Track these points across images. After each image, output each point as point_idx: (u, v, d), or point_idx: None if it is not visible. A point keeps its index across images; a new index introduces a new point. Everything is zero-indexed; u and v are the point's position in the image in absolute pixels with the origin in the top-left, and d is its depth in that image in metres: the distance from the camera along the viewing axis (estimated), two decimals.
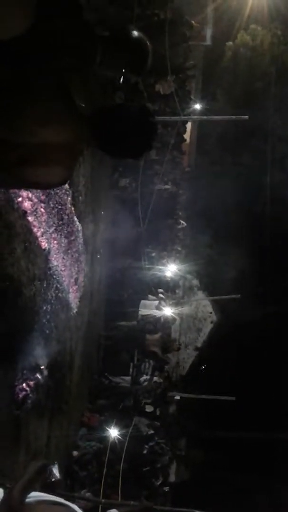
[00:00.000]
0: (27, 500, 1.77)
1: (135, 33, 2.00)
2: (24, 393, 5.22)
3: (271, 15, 16.99)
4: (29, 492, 1.74)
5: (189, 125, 15.67)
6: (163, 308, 10.99)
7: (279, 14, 16.92)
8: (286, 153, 17.56)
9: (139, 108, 1.91)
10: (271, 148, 17.69)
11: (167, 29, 9.86)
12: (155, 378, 11.00)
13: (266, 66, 17.53)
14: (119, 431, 8.65)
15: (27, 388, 5.32)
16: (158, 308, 10.76)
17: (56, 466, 5.36)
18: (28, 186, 2.05)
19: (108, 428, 8.60)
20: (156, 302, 10.97)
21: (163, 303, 11.28)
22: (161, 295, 11.33)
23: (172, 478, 13.46)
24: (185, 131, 13.80)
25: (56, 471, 5.20)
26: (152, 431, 9.78)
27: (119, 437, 8.57)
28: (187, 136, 15.53)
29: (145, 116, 1.90)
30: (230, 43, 17.73)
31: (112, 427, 8.64)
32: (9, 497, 1.64)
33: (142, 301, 10.92)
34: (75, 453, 8.46)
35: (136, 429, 9.54)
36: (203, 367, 16.53)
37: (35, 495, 1.85)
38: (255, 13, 16.76)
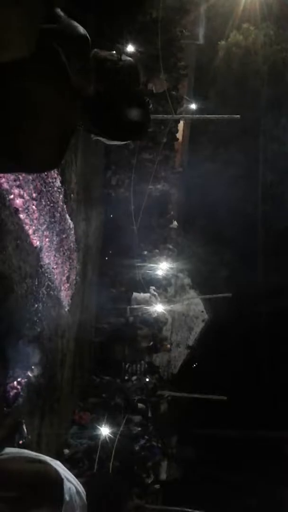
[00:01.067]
0: (2, 456, 1.75)
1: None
2: (15, 391, 5.20)
3: (264, 15, 17.05)
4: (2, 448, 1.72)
5: (181, 124, 15.70)
6: (155, 304, 11.02)
7: (271, 14, 16.98)
8: (277, 152, 17.65)
9: (134, 91, 1.83)
10: (263, 147, 17.78)
11: (160, 28, 9.86)
12: (146, 378, 11.02)
13: (258, 66, 17.59)
14: (110, 429, 8.65)
15: (18, 387, 5.31)
16: (149, 302, 10.79)
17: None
18: (19, 168, 1.91)
19: (99, 426, 8.60)
20: (148, 295, 10.99)
21: (154, 299, 11.30)
22: (153, 291, 11.35)
23: (163, 476, 13.51)
24: (177, 130, 13.82)
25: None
26: (143, 429, 9.79)
27: (110, 435, 8.57)
28: (179, 135, 15.56)
29: (140, 98, 1.84)
30: (223, 42, 17.78)
31: (103, 425, 8.63)
32: None
33: (134, 294, 10.94)
34: (66, 451, 8.45)
35: (127, 427, 9.56)
36: (194, 365, 16.57)
37: (13, 452, 1.82)
38: (248, 12, 16.81)
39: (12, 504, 1.64)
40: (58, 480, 1.70)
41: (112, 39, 8.52)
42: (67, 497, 1.68)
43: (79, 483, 1.80)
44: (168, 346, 13.05)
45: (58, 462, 1.82)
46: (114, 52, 1.83)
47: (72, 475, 1.80)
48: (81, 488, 1.79)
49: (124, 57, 1.80)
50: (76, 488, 1.76)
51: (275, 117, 17.52)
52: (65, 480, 1.72)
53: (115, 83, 1.75)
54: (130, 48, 9.21)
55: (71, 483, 1.75)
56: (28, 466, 1.72)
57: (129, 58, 1.81)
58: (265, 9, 16.58)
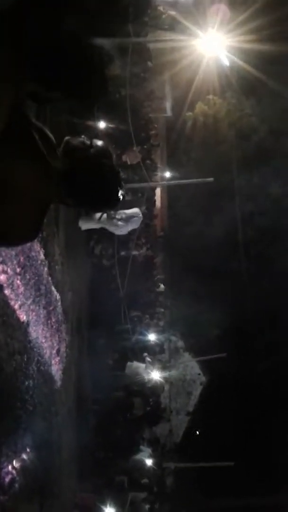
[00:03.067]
0: None
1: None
2: (10, 476, 4.92)
3: (222, 85, 18.24)
4: None
5: (158, 191, 16.21)
6: (151, 372, 10.78)
7: (230, 84, 18.17)
8: (253, 210, 18.21)
9: (102, 153, 1.93)
10: (239, 207, 18.36)
11: (129, 104, 10.44)
12: (148, 462, 10.50)
13: (225, 132, 18.57)
14: (115, 510, 8.14)
15: (13, 471, 5.03)
16: (145, 371, 10.55)
17: None
18: None
19: (104, 508, 8.09)
20: (143, 365, 10.77)
21: (149, 367, 11.08)
22: (147, 359, 11.14)
23: None
24: (154, 196, 14.25)
25: None
26: (150, 506, 9.22)
27: None
28: (157, 201, 16.03)
29: (111, 166, 1.95)
30: (190, 113, 18.82)
31: (108, 506, 8.13)
32: None
33: (128, 363, 10.71)
34: None
35: (133, 507, 9.01)
36: (197, 432, 15.97)
37: None
38: (208, 83, 17.95)
39: None
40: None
41: (83, 117, 8.95)
42: None
43: None
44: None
45: None
46: (84, 139, 1.95)
47: None
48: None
49: (95, 143, 1.93)
50: None
51: (246, 178, 18.26)
52: None
53: (85, 169, 1.88)
54: (102, 124, 9.67)
55: None
56: None
57: (99, 143, 1.93)
58: (224, 79, 17.76)
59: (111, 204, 2.07)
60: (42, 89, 1.75)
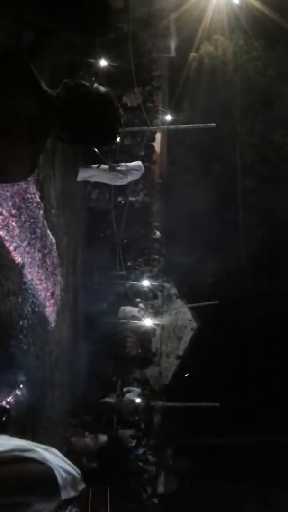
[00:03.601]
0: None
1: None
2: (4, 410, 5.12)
3: (232, 25, 17.40)
4: None
5: (158, 136, 15.84)
6: (143, 318, 10.99)
7: (240, 24, 17.35)
8: (254, 159, 17.90)
9: (103, 95, 1.89)
10: (240, 155, 18.02)
11: (131, 42, 9.98)
12: (138, 400, 10.87)
13: (230, 75, 17.91)
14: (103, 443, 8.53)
15: (7, 406, 5.22)
16: (137, 316, 10.76)
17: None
18: None
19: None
20: (136, 309, 10.97)
21: (142, 312, 11.27)
22: (140, 305, 11.32)
23: (161, 489, 13.36)
24: (154, 142, 13.93)
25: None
26: (137, 442, 9.69)
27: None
28: (157, 146, 15.69)
29: (110, 102, 1.89)
30: (194, 54, 18.08)
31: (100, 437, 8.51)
32: None
33: (121, 307, 10.91)
34: None
35: (120, 441, 9.44)
36: (186, 375, 16.53)
37: (5, 444, 1.91)
38: (217, 23, 17.15)
39: (11, 507, 1.77)
40: (51, 477, 1.82)
41: (85, 53, 8.60)
42: (61, 484, 1.83)
43: (71, 464, 1.91)
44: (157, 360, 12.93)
45: (53, 449, 1.94)
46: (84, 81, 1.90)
47: (64, 458, 1.91)
48: (75, 470, 1.92)
49: (95, 85, 1.88)
50: (69, 471, 1.89)
51: (249, 125, 17.80)
52: (57, 472, 1.82)
53: (83, 102, 1.83)
54: (103, 62, 9.29)
55: (64, 469, 1.86)
56: (21, 468, 1.79)
57: (101, 87, 1.88)
58: (233, 19, 16.94)
59: (108, 139, 1.99)
60: (44, 19, 1.73)
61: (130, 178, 9.56)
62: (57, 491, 1.84)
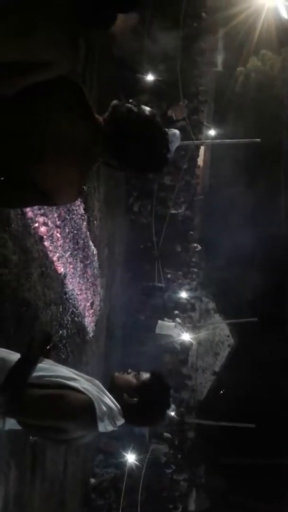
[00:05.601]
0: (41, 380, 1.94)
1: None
2: None
3: (280, 40, 17.25)
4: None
5: (202, 150, 15.82)
6: (180, 333, 10.92)
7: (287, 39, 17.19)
8: None
9: (151, 120, 1.88)
10: (285, 171, 17.74)
11: (179, 55, 10.08)
12: (172, 413, 10.76)
13: (277, 90, 17.72)
14: (136, 457, 8.50)
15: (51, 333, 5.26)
16: (175, 331, 10.70)
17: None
18: (41, 202, 1.98)
19: (125, 454, 8.46)
20: (173, 324, 10.92)
21: (180, 328, 11.21)
22: (177, 319, 11.27)
23: (192, 506, 13.13)
24: (198, 156, 13.93)
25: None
26: (170, 458, 9.58)
27: (137, 462, 8.42)
28: (200, 160, 15.67)
29: (157, 128, 1.88)
30: (241, 68, 18.01)
31: (129, 453, 8.49)
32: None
33: (159, 322, 10.87)
34: (92, 480, 8.32)
35: (153, 456, 9.37)
36: (221, 392, 16.26)
37: (49, 370, 2.00)
38: (265, 38, 17.04)
39: (48, 430, 1.92)
40: (91, 408, 1.90)
41: (133, 69, 8.74)
42: (99, 416, 1.92)
43: (112, 399, 2.00)
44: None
45: (96, 381, 2.03)
46: (132, 104, 1.90)
47: (106, 392, 2.01)
48: (115, 405, 2.00)
49: (142, 108, 1.88)
50: (109, 405, 1.97)
51: None
52: (96, 404, 1.92)
53: (131, 131, 1.84)
54: (150, 77, 9.42)
55: (104, 402, 1.95)
56: (63, 394, 1.91)
57: (147, 109, 1.88)
58: (281, 34, 16.79)
59: (156, 166, 1.99)
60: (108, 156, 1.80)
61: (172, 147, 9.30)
62: (94, 422, 1.91)
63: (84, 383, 2.00)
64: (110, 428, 1.97)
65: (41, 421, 1.91)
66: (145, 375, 2.10)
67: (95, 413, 1.90)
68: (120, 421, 2.01)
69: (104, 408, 1.94)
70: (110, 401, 1.99)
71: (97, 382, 2.05)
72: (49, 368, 2.01)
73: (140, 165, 1.95)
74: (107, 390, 2.03)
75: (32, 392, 1.88)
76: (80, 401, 1.90)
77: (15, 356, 2.03)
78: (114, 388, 2.05)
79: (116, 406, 2.00)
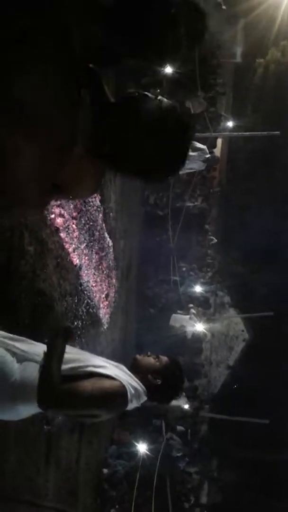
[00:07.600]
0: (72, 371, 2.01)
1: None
2: None
3: None
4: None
5: (219, 142, 15.69)
6: (195, 324, 10.90)
7: None
8: None
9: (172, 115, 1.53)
10: None
11: (197, 46, 9.95)
12: (185, 406, 10.78)
13: None
14: (149, 449, 8.53)
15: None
16: (189, 324, 10.68)
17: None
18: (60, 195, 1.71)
19: (138, 445, 8.50)
20: (187, 317, 10.89)
21: (194, 320, 11.18)
22: (192, 310, 11.24)
23: (203, 499, 13.17)
24: (215, 146, 13.81)
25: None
26: (183, 451, 9.60)
27: (150, 453, 8.45)
28: (218, 152, 15.54)
29: (179, 120, 1.54)
30: (261, 60, 17.76)
31: (143, 444, 8.53)
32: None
33: (173, 315, 10.86)
34: (105, 471, 8.39)
35: (167, 449, 9.40)
36: (235, 386, 16.22)
37: (77, 360, 2.06)
38: (285, 29, 16.78)
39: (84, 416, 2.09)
40: (124, 393, 2.03)
41: (150, 60, 8.63)
42: (130, 399, 2.05)
43: (137, 380, 2.14)
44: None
45: (122, 366, 2.15)
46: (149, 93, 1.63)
47: (132, 375, 2.14)
48: (140, 386, 2.14)
49: (162, 99, 1.57)
50: (135, 387, 2.10)
51: None
52: (127, 388, 2.04)
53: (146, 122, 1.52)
54: (168, 69, 9.32)
55: (131, 385, 2.08)
56: (99, 383, 1.99)
57: (166, 100, 1.56)
58: None
59: (156, 177, 1.64)
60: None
61: (190, 165, 9.14)
62: (126, 405, 2.06)
63: (114, 368, 2.10)
64: (135, 405, 2.13)
65: (81, 411, 2.04)
66: (165, 359, 2.27)
67: (127, 396, 2.03)
68: (144, 400, 2.16)
69: (133, 391, 2.07)
70: (136, 383, 2.12)
71: (122, 366, 2.16)
72: (78, 359, 2.06)
73: (140, 166, 1.56)
74: (130, 371, 2.15)
75: (70, 386, 1.94)
76: (114, 387, 2.01)
77: (37, 348, 2.08)
78: (137, 369, 2.19)
79: (141, 387, 2.14)
